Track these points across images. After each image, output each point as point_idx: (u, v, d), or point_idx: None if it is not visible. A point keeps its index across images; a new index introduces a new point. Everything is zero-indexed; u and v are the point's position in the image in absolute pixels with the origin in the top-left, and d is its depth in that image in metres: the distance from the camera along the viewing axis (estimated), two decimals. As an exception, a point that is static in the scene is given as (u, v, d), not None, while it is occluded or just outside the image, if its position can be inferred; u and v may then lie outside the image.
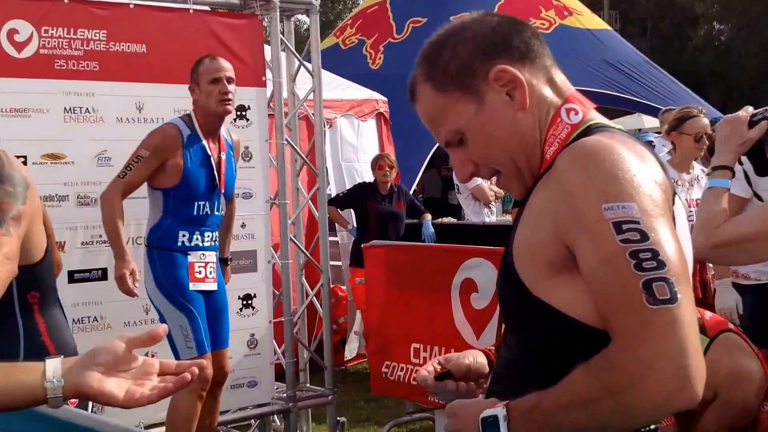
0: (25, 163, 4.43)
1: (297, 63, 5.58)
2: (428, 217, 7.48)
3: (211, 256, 4.43)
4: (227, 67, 4.39)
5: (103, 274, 4.65)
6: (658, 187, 1.40)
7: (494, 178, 1.63)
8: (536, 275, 1.44)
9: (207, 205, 4.39)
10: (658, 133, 9.27)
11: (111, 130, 4.72)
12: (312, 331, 6.07)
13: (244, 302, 5.16)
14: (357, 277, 6.65)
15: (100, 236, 4.50)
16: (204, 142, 4.39)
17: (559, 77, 1.58)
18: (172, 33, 4.91)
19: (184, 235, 4.35)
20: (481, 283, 4.84)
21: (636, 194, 1.35)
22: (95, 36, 4.66)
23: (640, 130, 17.28)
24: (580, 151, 1.43)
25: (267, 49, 5.48)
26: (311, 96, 5.59)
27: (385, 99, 8.23)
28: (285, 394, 5.33)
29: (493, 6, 11.71)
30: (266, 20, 5.37)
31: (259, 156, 5.25)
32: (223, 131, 4.54)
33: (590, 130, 1.50)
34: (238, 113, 5.14)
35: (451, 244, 5.97)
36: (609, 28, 12.77)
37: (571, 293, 1.41)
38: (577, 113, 1.53)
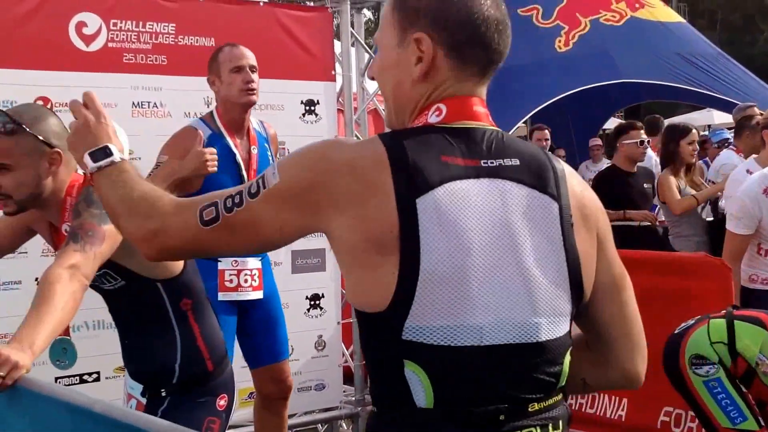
0: (92, 158, 4.37)
1: (367, 57, 5.43)
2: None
3: (250, 263, 4.03)
4: (249, 55, 4.04)
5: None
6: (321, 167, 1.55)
7: None
8: None
9: None
10: (731, 128, 8.96)
11: (179, 125, 4.57)
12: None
13: (312, 302, 5.04)
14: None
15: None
16: (228, 139, 4.01)
17: (476, 89, 1.65)
18: (241, 26, 4.79)
19: None
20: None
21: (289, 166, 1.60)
22: (164, 29, 4.58)
23: (710, 126, 16.81)
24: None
25: (336, 43, 5.34)
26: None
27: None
28: (353, 398, 5.19)
29: (565, -6, 11.37)
30: (336, 13, 5.23)
31: (329, 152, 5.10)
32: (254, 124, 4.19)
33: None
34: (307, 108, 5.01)
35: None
36: (682, 20, 12.34)
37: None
38: (439, 114, 1.61)
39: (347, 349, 5.26)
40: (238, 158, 4.00)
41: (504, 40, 1.64)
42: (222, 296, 3.91)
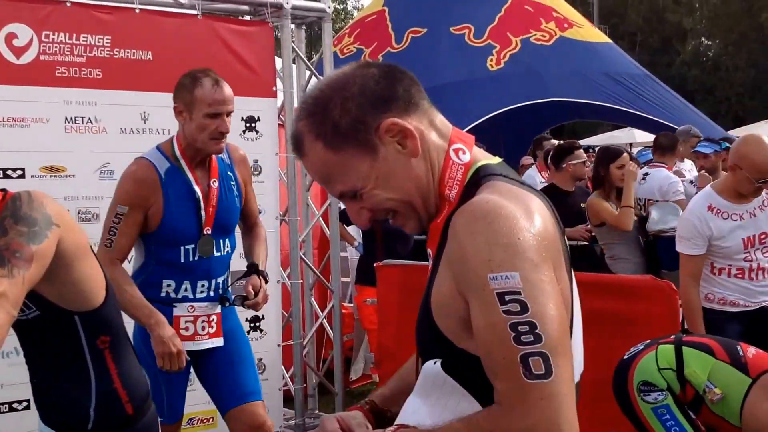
0: (23, 175, 4.17)
1: (308, 73, 5.33)
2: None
3: (207, 308, 3.62)
4: (229, 98, 3.53)
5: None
6: (543, 245, 1.45)
7: None
8: (455, 329, 1.50)
9: (196, 248, 3.59)
10: (648, 148, 9.15)
11: (114, 142, 4.46)
12: (320, 352, 5.80)
13: (252, 324, 4.90)
14: (364, 295, 6.38)
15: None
16: (188, 173, 3.57)
17: (438, 118, 1.64)
18: (180, 40, 4.66)
19: (169, 285, 3.57)
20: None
21: (519, 262, 1.41)
22: (99, 42, 4.41)
23: (631, 144, 17.17)
24: (470, 214, 1.47)
25: (276, 59, 5.24)
26: (322, 107, 5.33)
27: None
28: (293, 422, 5.05)
29: (494, 17, 11.53)
30: (277, 28, 5.12)
31: (269, 170, 4.98)
32: None
33: (480, 177, 1.57)
34: (248, 125, 4.89)
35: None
36: (609, 41, 12.59)
37: None
38: (464, 152, 1.60)
39: (287, 372, 5.12)
40: (198, 195, 3.58)
41: (401, 73, 1.64)
42: None
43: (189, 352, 3.50)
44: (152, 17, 4.60)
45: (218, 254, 3.63)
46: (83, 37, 4.35)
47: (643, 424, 3.41)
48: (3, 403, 4.13)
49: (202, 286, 3.61)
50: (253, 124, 4.92)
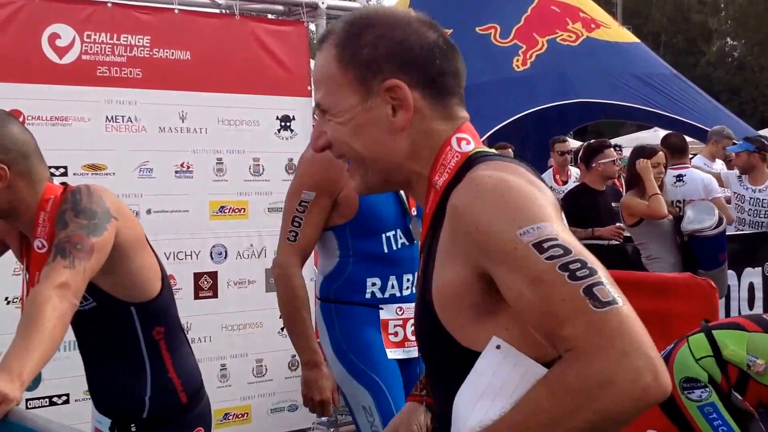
0: (65, 173, 4.24)
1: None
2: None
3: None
4: None
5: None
6: (555, 208, 1.38)
7: None
8: (461, 323, 1.40)
9: (399, 234, 3.17)
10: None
11: (153, 140, 4.52)
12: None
13: (286, 321, 4.93)
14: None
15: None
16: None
17: (461, 113, 1.55)
18: (217, 39, 4.71)
19: (374, 284, 3.15)
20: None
21: (545, 215, 1.33)
22: (138, 42, 4.47)
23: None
24: (475, 188, 1.39)
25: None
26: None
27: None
28: (326, 419, 5.08)
29: (519, 18, 11.52)
30: (312, 27, 5.18)
31: (304, 169, 5.03)
32: None
33: (473, 159, 1.48)
34: (282, 124, 4.94)
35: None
36: (637, 40, 12.53)
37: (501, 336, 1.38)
38: (468, 143, 1.52)
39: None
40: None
41: (461, 59, 1.58)
42: (389, 353, 3.15)
43: (398, 361, 3.17)
44: (190, 17, 4.66)
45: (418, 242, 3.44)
46: (123, 37, 4.42)
47: (688, 421, 3.39)
48: (43, 398, 4.19)
49: (407, 280, 3.20)
50: (288, 123, 4.96)
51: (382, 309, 3.16)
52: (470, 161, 1.48)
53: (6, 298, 4.02)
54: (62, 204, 2.40)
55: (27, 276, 2.55)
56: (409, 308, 3.14)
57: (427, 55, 1.51)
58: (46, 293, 2.14)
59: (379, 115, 1.50)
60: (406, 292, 3.19)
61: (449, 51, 1.55)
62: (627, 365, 1.19)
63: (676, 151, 6.89)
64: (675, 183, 6.36)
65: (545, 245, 1.28)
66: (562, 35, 11.47)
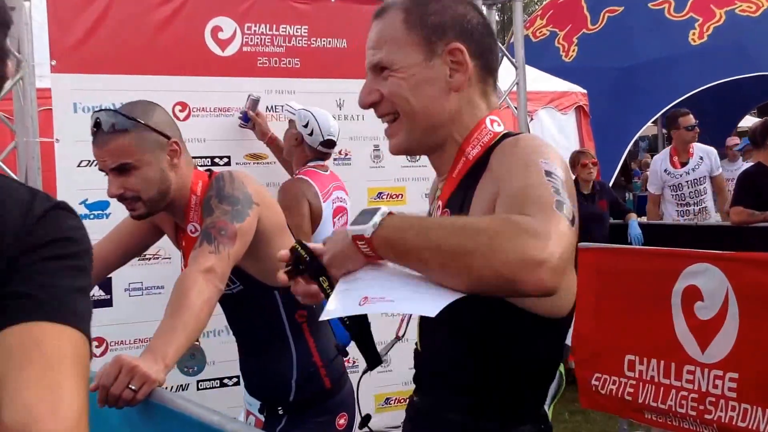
0: (228, 163, 4.38)
1: (500, 54, 5.27)
2: (634, 216, 6.97)
3: None
4: None
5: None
6: (566, 170, 1.54)
7: None
8: None
9: None
10: None
11: (312, 129, 4.58)
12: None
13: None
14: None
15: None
16: None
17: (494, 99, 1.74)
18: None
19: None
20: (707, 291, 4.37)
21: (560, 167, 1.51)
22: (297, 32, 4.54)
23: None
24: (514, 141, 1.60)
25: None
26: (514, 88, 5.27)
27: (585, 91, 7.78)
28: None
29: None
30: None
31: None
32: None
33: (504, 137, 1.66)
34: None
35: (663, 246, 5.47)
36: (826, 8, 11.64)
37: None
38: (499, 125, 1.70)
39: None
40: None
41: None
42: None
43: None
44: (348, 6, 4.69)
45: None
46: (282, 27, 4.50)
47: None
48: (214, 379, 4.35)
49: None
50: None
51: None
52: (501, 140, 1.65)
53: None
54: (208, 190, 2.48)
55: (184, 262, 2.65)
56: None
57: (481, 30, 1.70)
58: (192, 277, 2.20)
59: (438, 75, 1.66)
60: None
61: (492, 36, 1.76)
62: (542, 252, 1.30)
63: (753, 142, 6.30)
64: None
65: (551, 177, 1.46)
66: (741, 6, 10.83)
